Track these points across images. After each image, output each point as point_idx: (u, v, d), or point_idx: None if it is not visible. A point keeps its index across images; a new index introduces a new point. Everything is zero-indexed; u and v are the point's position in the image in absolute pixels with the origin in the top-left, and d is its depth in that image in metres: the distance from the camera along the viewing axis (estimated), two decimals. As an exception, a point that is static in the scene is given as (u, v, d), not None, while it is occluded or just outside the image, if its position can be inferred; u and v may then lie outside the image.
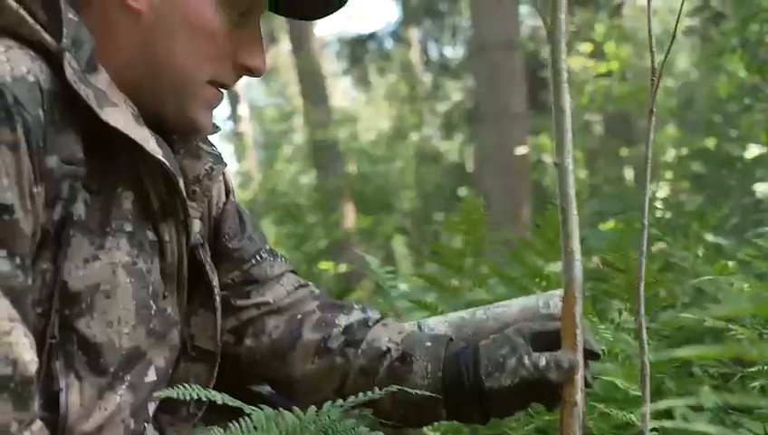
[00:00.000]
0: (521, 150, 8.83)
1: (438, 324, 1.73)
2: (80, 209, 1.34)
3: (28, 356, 1.22)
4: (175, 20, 1.40)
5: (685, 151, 8.64)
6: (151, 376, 1.48)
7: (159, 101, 1.44)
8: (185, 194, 1.49)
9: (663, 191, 7.77)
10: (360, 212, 11.59)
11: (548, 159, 10.53)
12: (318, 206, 11.44)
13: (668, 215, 5.45)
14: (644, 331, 1.49)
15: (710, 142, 8.21)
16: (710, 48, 8.86)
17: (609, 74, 9.18)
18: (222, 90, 1.51)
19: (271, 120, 20.78)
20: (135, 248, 1.42)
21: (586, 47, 9.16)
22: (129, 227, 1.42)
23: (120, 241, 1.40)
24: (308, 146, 12.67)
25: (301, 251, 10.17)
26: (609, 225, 3.52)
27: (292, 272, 1.74)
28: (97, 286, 1.36)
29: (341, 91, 21.59)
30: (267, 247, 1.72)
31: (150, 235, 1.46)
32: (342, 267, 9.78)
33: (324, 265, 8.85)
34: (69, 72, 1.27)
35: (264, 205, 12.39)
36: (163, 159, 1.40)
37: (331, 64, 17.95)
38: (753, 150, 6.35)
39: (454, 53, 17.65)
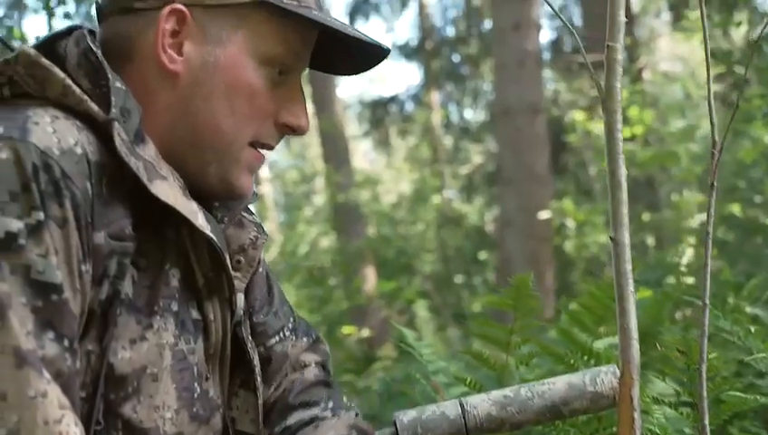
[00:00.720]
0: (544, 215, 8.79)
1: (482, 403, 1.66)
2: (127, 287, 1.27)
3: None
4: (214, 80, 1.35)
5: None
6: None
7: (201, 166, 1.38)
8: (231, 270, 1.43)
9: (687, 257, 7.68)
10: (381, 275, 11.52)
11: (571, 223, 10.46)
12: (340, 268, 11.38)
13: (692, 281, 5.37)
14: (706, 416, 1.42)
15: (735, 208, 8.14)
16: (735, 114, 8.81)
17: (632, 139, 9.15)
18: (263, 151, 1.45)
19: (292, 181, 20.82)
20: (178, 328, 1.35)
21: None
22: (175, 307, 1.35)
23: (168, 321, 1.33)
24: (329, 208, 12.65)
25: (321, 314, 10.10)
26: (644, 293, 3.45)
27: (309, 349, 1.68)
28: (144, 369, 1.28)
29: (362, 153, 21.65)
30: (291, 325, 1.65)
31: (194, 313, 1.39)
32: (365, 332, 9.68)
33: (347, 329, 8.77)
34: (119, 143, 1.22)
35: (286, 267, 12.35)
36: (211, 235, 1.34)
37: (351, 126, 18.01)
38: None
39: (474, 116, 17.71)
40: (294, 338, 1.64)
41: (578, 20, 15.42)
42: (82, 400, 1.22)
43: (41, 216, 1.14)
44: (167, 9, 1.33)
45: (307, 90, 13.93)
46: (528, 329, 1.99)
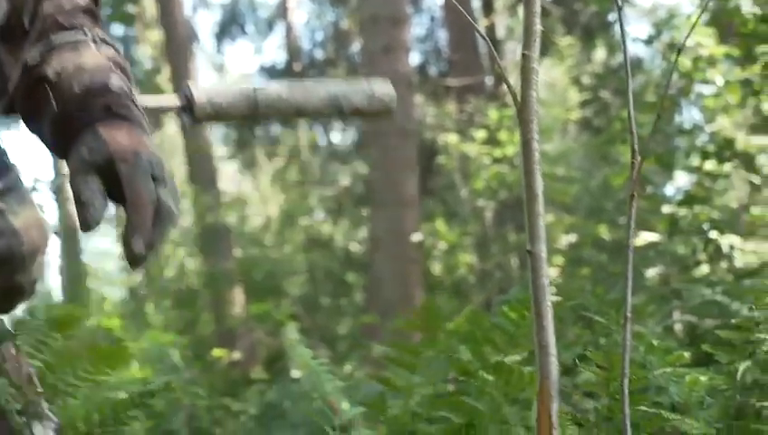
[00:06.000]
0: (416, 237, 8.83)
1: (273, 85, 1.72)
2: None
3: None
4: None
5: (573, 238, 8.76)
6: None
7: None
8: None
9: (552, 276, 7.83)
10: (250, 297, 11.34)
11: (441, 245, 10.53)
12: (209, 291, 11.17)
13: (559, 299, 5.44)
14: (629, 431, 1.40)
15: (602, 229, 8.33)
16: (602, 138, 9.05)
17: (500, 160, 9.29)
18: None
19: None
20: None
21: (481, 134, 9.27)
22: None
23: None
24: (196, 230, 12.40)
25: (190, 336, 9.87)
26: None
27: None
28: None
29: (228, 176, 21.38)
30: None
31: None
32: (236, 355, 9.52)
33: (217, 352, 8.60)
34: None
35: (150, 289, 12.06)
36: None
37: (217, 149, 17.75)
38: (643, 237, 6.40)
39: (342, 138, 17.72)
40: None
41: (444, 45, 15.65)
42: None
43: None
44: None
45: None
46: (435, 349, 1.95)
